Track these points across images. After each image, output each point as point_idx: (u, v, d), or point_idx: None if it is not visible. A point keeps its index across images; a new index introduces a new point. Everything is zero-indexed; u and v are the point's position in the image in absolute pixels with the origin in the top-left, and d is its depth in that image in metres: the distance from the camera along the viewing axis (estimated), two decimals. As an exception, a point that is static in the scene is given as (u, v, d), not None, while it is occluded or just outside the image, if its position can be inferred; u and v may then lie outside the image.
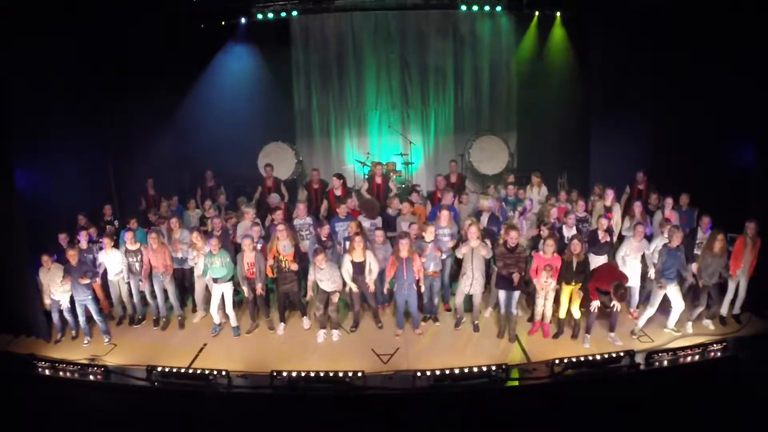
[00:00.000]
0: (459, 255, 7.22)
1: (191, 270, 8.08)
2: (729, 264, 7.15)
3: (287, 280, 7.47)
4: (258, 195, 10.12)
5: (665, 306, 7.24)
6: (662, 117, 9.81)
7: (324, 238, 7.66)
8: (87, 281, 7.30)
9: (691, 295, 7.76)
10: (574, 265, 6.87)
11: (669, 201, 8.17)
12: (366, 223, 8.11)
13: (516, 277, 6.96)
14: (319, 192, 9.95)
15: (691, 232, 7.78)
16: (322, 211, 9.14)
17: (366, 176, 11.25)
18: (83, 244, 7.81)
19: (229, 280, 7.50)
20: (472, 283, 7.19)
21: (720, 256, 7.01)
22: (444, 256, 7.58)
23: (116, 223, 8.87)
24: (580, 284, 6.96)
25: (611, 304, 6.77)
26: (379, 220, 8.27)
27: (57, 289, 7.37)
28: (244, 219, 8.34)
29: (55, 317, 7.62)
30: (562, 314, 7.17)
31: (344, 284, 7.38)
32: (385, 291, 7.63)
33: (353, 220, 7.93)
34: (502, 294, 7.21)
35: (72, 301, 7.48)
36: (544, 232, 7.46)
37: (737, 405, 5.81)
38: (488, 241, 7.35)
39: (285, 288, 7.55)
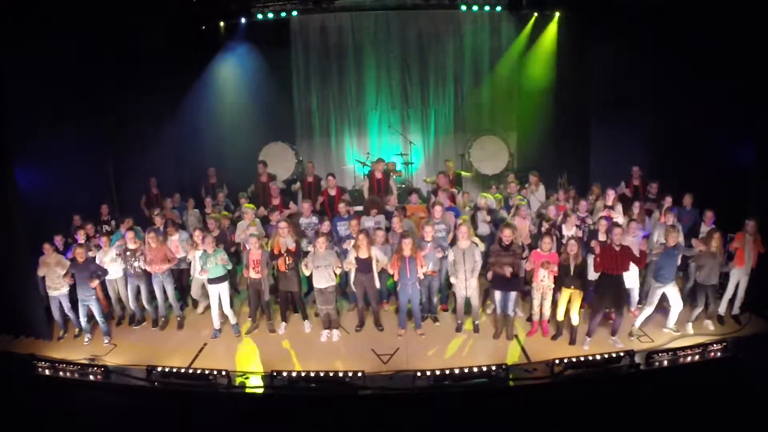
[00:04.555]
0: (449, 258, 7.25)
1: (188, 270, 8.07)
2: (728, 262, 7.17)
3: (288, 280, 7.47)
4: (252, 189, 10.13)
5: (665, 306, 7.24)
6: (662, 116, 9.81)
7: (324, 233, 7.64)
8: (96, 282, 7.29)
9: (691, 296, 7.76)
10: (572, 268, 6.86)
11: (668, 199, 8.17)
12: (369, 222, 8.12)
13: (507, 270, 6.88)
14: (313, 186, 9.96)
15: (692, 228, 7.79)
16: (316, 206, 9.16)
17: (366, 175, 11.25)
18: (81, 242, 7.81)
19: (224, 280, 7.50)
20: (466, 285, 7.19)
21: (716, 255, 7.01)
22: (444, 255, 7.58)
23: (113, 222, 8.87)
24: (579, 289, 6.95)
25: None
26: (382, 218, 8.27)
27: (53, 283, 7.37)
28: (244, 218, 8.36)
29: (57, 314, 7.64)
30: (560, 316, 7.16)
31: (347, 282, 7.39)
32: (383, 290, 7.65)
33: (354, 219, 7.94)
34: (498, 294, 7.20)
35: (74, 298, 7.48)
36: (543, 228, 7.45)
37: (737, 405, 5.81)
38: (478, 242, 7.41)
39: (286, 288, 7.54)
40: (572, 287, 6.93)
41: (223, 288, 7.51)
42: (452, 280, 7.30)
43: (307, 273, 7.26)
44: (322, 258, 7.12)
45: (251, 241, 7.38)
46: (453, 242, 7.67)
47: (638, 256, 6.88)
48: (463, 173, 10.62)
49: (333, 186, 9.41)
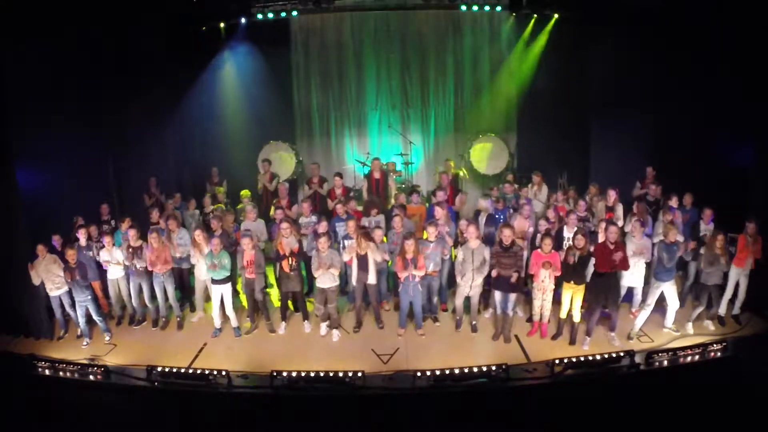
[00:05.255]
0: (459, 258, 7.23)
1: (189, 270, 8.06)
2: (730, 263, 7.17)
3: (290, 280, 7.46)
4: (261, 188, 10.16)
5: (664, 306, 7.24)
6: (662, 116, 9.81)
7: (323, 233, 7.63)
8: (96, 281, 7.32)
9: (692, 295, 7.76)
10: (576, 259, 6.83)
11: (674, 199, 8.16)
12: (367, 222, 8.11)
13: (515, 276, 6.95)
14: (318, 187, 9.95)
15: (693, 227, 7.79)
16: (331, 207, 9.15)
17: (365, 175, 11.25)
18: (83, 242, 7.82)
19: (228, 281, 7.50)
20: (471, 284, 7.19)
21: (720, 255, 7.01)
22: (447, 256, 7.56)
23: (113, 222, 8.87)
24: (582, 284, 6.95)
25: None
26: (381, 218, 8.27)
27: (53, 283, 7.38)
28: (247, 218, 8.36)
29: (58, 313, 7.66)
30: (563, 314, 7.16)
31: (347, 282, 7.40)
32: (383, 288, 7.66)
33: (352, 219, 7.94)
34: (498, 295, 7.21)
35: (74, 297, 7.48)
36: (542, 228, 7.45)
37: (737, 405, 5.81)
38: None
39: (288, 287, 7.54)
40: (572, 282, 6.92)
41: (226, 289, 7.51)
42: (458, 279, 7.27)
43: (317, 275, 7.25)
44: (325, 258, 7.12)
45: (245, 241, 7.38)
46: (456, 243, 7.66)
47: (618, 258, 6.77)
48: (460, 173, 10.54)
49: (339, 186, 9.41)
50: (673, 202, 8.13)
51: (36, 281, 7.37)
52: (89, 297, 7.41)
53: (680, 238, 7.23)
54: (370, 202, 8.80)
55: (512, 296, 7.15)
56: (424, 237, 7.42)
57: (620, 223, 8.00)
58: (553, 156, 11.46)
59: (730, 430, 5.73)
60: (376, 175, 9.77)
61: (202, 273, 7.72)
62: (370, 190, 9.73)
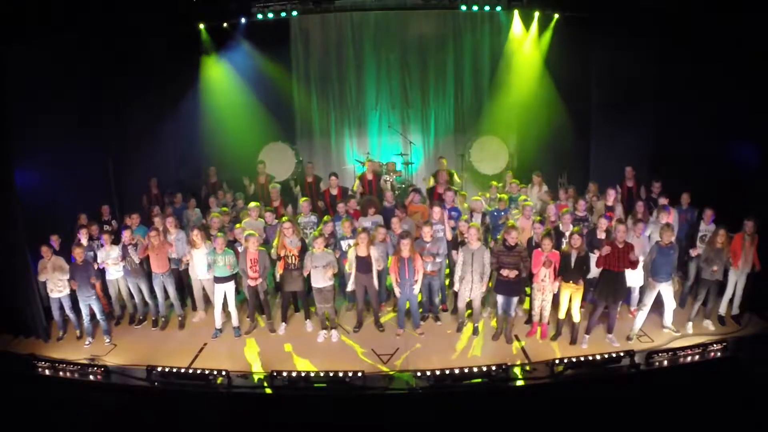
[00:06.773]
0: (459, 260, 7.21)
1: (186, 270, 8.05)
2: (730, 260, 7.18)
3: (292, 279, 7.46)
4: (252, 191, 10.14)
5: (662, 306, 7.24)
6: (662, 116, 9.80)
7: (327, 235, 7.67)
8: (96, 281, 7.34)
9: (692, 295, 7.76)
10: (573, 260, 6.84)
11: (662, 199, 8.17)
12: (367, 223, 8.10)
13: (514, 273, 6.92)
14: (313, 186, 9.95)
15: (692, 226, 7.80)
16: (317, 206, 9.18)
17: (358, 176, 11.24)
18: (83, 242, 7.81)
19: (231, 279, 7.50)
20: (471, 287, 7.18)
21: (721, 251, 7.02)
22: (438, 260, 7.52)
23: (114, 222, 8.86)
24: (578, 285, 6.95)
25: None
26: (380, 218, 8.27)
27: (55, 285, 7.37)
28: (248, 217, 8.36)
29: (56, 314, 7.65)
30: (561, 315, 7.16)
31: (347, 284, 7.42)
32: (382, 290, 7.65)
33: (350, 219, 7.94)
34: (500, 298, 7.20)
35: (74, 299, 7.48)
36: (540, 228, 7.46)
37: (737, 405, 5.81)
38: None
39: (290, 287, 7.54)
40: (571, 282, 6.92)
41: (229, 287, 7.52)
42: (456, 284, 7.23)
43: (305, 272, 7.27)
44: (319, 258, 7.12)
45: (250, 240, 7.38)
46: (455, 244, 7.64)
47: (635, 259, 6.82)
48: (455, 175, 10.44)
49: (335, 186, 9.41)
50: (663, 201, 8.12)
51: (42, 278, 7.39)
52: (93, 296, 7.42)
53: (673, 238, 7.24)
54: (368, 201, 8.80)
55: (514, 299, 7.15)
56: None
57: (620, 216, 8.01)
58: (553, 156, 11.46)
59: (730, 430, 5.73)
60: (368, 176, 9.78)
61: (198, 273, 7.71)
62: (363, 190, 9.74)
